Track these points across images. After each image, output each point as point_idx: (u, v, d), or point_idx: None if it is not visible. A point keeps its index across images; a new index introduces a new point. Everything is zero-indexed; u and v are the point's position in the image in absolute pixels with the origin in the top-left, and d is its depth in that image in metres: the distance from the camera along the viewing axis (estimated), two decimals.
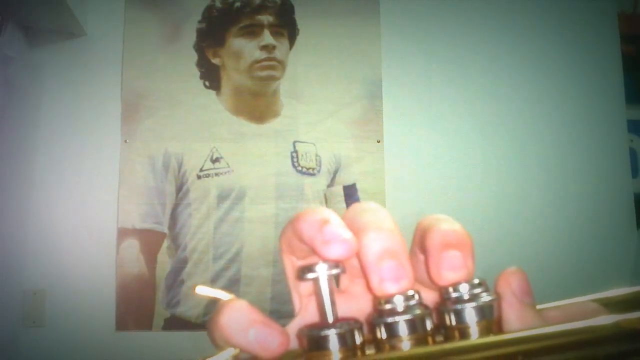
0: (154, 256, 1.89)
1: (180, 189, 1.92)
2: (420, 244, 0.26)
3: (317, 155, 1.97)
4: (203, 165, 1.93)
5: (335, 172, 1.96)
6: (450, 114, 2.04)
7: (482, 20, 2.09)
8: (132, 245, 1.89)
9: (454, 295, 0.25)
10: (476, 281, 0.25)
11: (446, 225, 0.26)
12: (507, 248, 1.85)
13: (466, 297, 0.25)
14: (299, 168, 1.96)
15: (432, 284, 0.25)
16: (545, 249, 1.91)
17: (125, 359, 1.80)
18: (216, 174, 1.93)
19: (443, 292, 0.25)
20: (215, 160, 1.94)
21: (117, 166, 1.92)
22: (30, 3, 1.72)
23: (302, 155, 1.96)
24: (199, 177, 1.93)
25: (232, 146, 1.95)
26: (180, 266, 1.89)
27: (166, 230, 1.90)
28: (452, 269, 0.24)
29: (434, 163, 2.01)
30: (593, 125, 2.06)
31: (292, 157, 1.96)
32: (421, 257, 0.26)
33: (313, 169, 1.96)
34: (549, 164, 2.02)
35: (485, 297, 0.25)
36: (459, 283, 0.25)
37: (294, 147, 1.97)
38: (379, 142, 1.99)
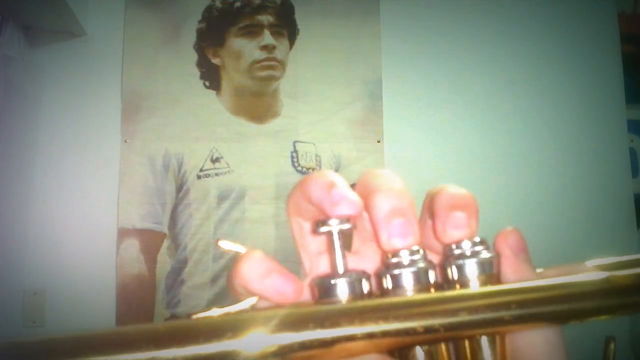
0: (154, 256, 1.89)
1: (180, 189, 1.92)
2: (428, 207, 0.28)
3: (317, 155, 1.97)
4: (203, 165, 1.93)
5: (336, 172, 1.96)
6: (451, 114, 2.04)
7: (482, 20, 2.09)
8: (132, 245, 1.89)
9: (456, 251, 0.26)
10: (477, 239, 0.26)
11: (453, 189, 0.27)
12: None
13: (468, 253, 0.26)
14: (299, 168, 1.96)
15: (438, 241, 0.27)
16: (545, 249, 1.91)
17: None
18: (216, 174, 1.93)
19: (447, 249, 0.27)
20: (215, 160, 1.94)
21: (117, 166, 1.92)
22: (30, 3, 1.72)
23: (302, 155, 1.96)
24: (199, 177, 1.93)
25: (232, 146, 1.95)
26: (180, 266, 1.89)
27: (166, 230, 1.90)
28: (456, 227, 0.26)
29: (434, 163, 2.01)
30: (593, 125, 2.06)
31: (292, 157, 1.96)
32: (429, 222, 0.28)
33: (313, 169, 1.96)
34: (549, 164, 2.02)
35: (485, 254, 0.26)
36: (461, 240, 0.26)
37: (294, 147, 1.97)
38: (379, 142, 1.99)
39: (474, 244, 0.26)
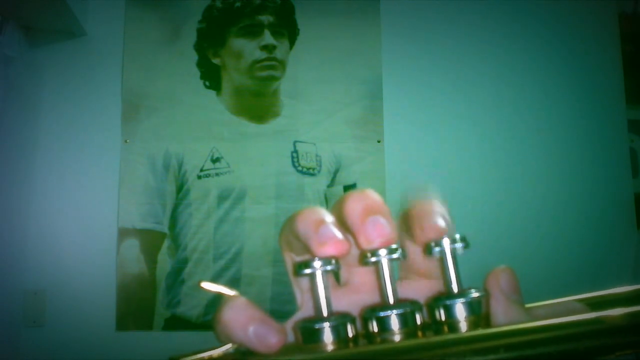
0: (154, 256, 1.89)
1: (181, 189, 1.92)
2: (403, 221, 0.28)
3: (317, 155, 1.97)
4: (203, 165, 1.93)
5: (336, 172, 1.96)
6: (451, 114, 2.04)
7: (483, 20, 2.09)
8: (133, 245, 1.89)
9: (436, 249, 0.27)
10: (457, 236, 0.27)
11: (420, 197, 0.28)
12: (507, 248, 1.85)
13: (446, 246, 0.27)
14: (299, 168, 1.96)
15: (417, 238, 0.28)
16: (546, 249, 1.91)
17: (126, 359, 1.80)
18: (216, 174, 1.93)
19: (426, 248, 0.27)
20: (215, 160, 1.94)
21: (117, 166, 1.92)
22: (30, 3, 1.72)
23: (303, 155, 1.96)
24: (199, 177, 1.93)
25: (232, 146, 1.95)
26: (180, 266, 1.89)
27: (166, 230, 1.90)
28: (435, 227, 0.27)
29: (434, 163, 2.01)
30: (593, 125, 2.06)
31: (293, 157, 1.96)
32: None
33: (313, 169, 1.96)
34: (550, 164, 2.02)
35: (474, 293, 0.26)
36: (441, 237, 0.27)
37: (294, 147, 1.97)
38: (379, 142, 1.99)
39: (453, 241, 0.26)
